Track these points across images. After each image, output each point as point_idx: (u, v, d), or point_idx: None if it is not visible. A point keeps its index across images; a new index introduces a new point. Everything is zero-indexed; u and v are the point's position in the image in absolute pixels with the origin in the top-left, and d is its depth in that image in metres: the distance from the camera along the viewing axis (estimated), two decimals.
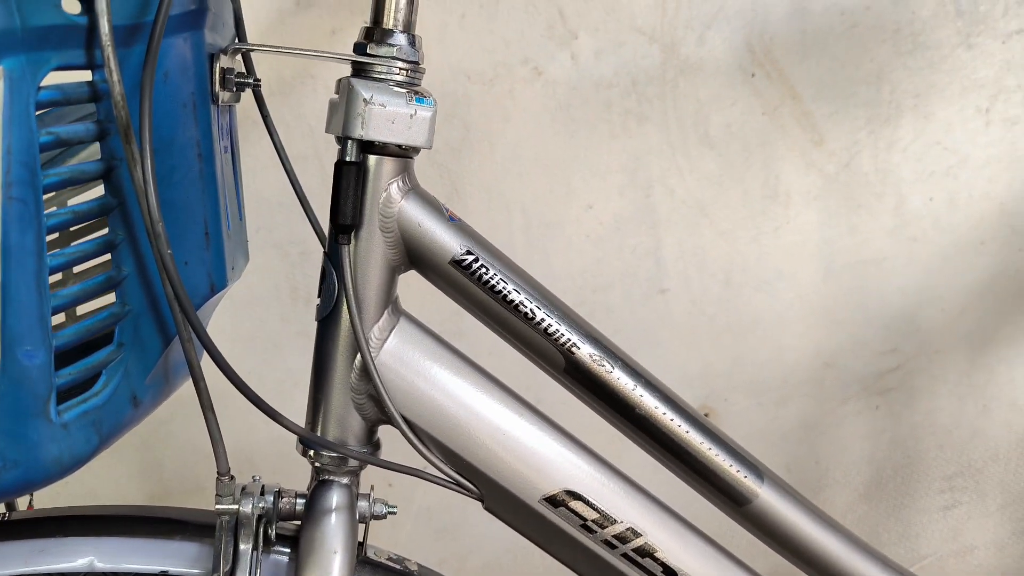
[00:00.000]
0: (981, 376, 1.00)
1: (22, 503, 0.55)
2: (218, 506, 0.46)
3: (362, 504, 0.53)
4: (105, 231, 0.39)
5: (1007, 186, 0.95)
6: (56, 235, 0.51)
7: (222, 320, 0.87)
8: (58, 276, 0.53)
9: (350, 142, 0.46)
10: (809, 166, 0.92)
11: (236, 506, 0.46)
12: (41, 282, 0.35)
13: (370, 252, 0.49)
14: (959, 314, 0.98)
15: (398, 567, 0.55)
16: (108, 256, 0.40)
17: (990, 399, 1.00)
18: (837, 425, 0.99)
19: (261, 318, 0.87)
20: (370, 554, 0.54)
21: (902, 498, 1.03)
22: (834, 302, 0.95)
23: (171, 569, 0.50)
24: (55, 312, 0.36)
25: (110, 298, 0.41)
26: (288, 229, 0.87)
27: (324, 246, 0.52)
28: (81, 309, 0.42)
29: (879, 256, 0.95)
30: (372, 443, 0.52)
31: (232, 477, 0.47)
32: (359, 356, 0.49)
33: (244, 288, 0.88)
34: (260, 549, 0.49)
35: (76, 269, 0.49)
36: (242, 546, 0.48)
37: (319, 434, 0.51)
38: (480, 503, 0.53)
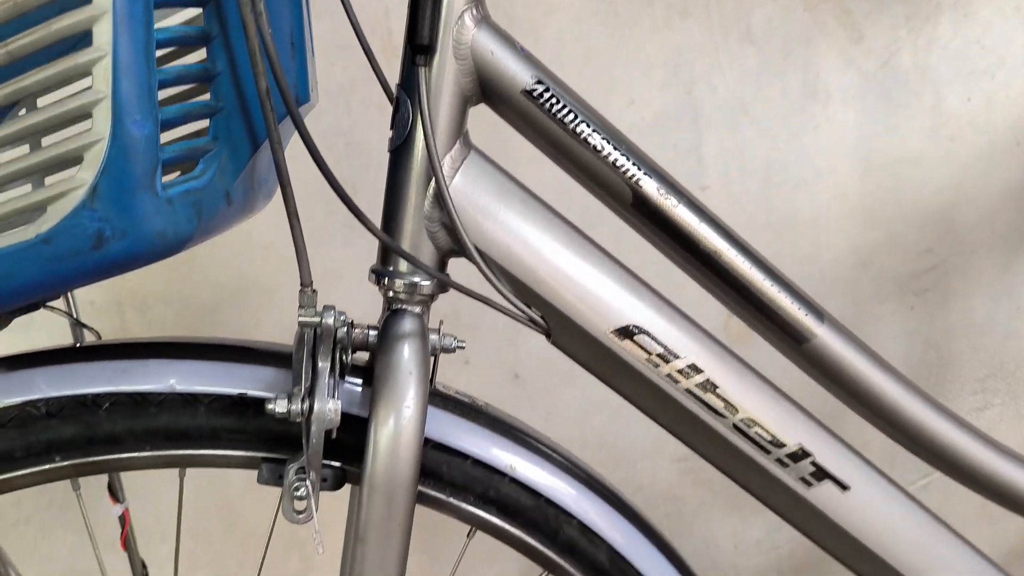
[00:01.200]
0: (1016, 277, 1.01)
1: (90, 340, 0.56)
2: (300, 318, 0.47)
3: (433, 337, 0.54)
4: (201, 24, 0.40)
5: None
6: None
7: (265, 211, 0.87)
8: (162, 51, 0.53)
9: None
10: (848, 64, 0.93)
11: (318, 318, 0.47)
12: (149, 52, 0.36)
13: (443, 79, 0.50)
14: (994, 214, 0.98)
15: (467, 400, 0.56)
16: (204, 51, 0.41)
17: None
18: (872, 325, 1.00)
19: (305, 206, 0.88)
20: (439, 388, 0.55)
21: (935, 398, 1.03)
22: (871, 201, 0.96)
23: (249, 391, 0.51)
24: (161, 87, 0.37)
25: (205, 98, 0.42)
26: (334, 120, 0.88)
27: (388, 92, 0.52)
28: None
29: (916, 155, 0.96)
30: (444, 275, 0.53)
31: (315, 290, 0.48)
32: (432, 184, 0.50)
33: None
34: (338, 371, 0.50)
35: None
36: (320, 364, 0.49)
37: (391, 268, 0.52)
38: (546, 337, 0.54)
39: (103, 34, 0.34)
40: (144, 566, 0.62)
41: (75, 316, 0.57)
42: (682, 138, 0.92)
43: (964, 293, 1.00)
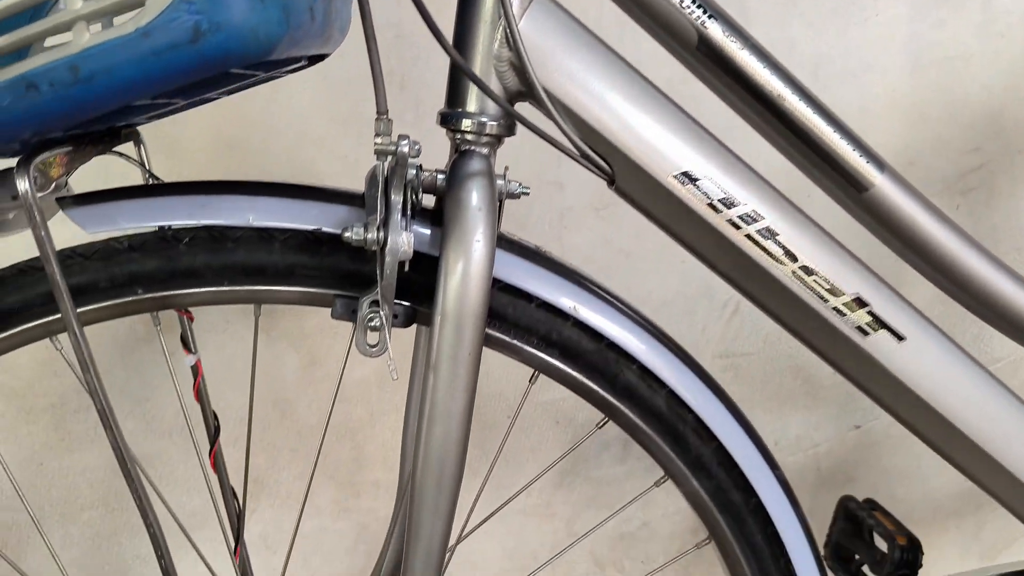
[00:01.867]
0: None
1: None
2: (378, 146, 0.49)
3: (500, 182, 0.55)
4: None
5: None
6: None
7: (319, 96, 0.89)
8: None
9: None
10: None
11: (394, 146, 0.49)
12: None
13: None
14: None
15: (532, 246, 0.57)
16: None
17: None
18: None
19: (355, 100, 0.89)
20: (504, 233, 0.57)
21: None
22: (920, 98, 0.96)
23: (324, 227, 0.53)
24: None
25: None
26: (383, 12, 0.89)
27: None
28: None
29: (966, 52, 0.95)
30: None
31: (391, 119, 0.49)
32: (501, 24, 0.51)
33: (339, 69, 0.89)
34: (410, 204, 0.51)
35: None
36: (393, 197, 0.50)
37: (460, 110, 0.53)
38: (609, 184, 0.55)
39: None
40: (215, 417, 0.64)
41: (147, 166, 0.58)
42: None
43: (1010, 193, 1.00)
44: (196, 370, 0.62)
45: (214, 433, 0.64)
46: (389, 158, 0.49)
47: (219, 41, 0.38)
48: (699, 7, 0.53)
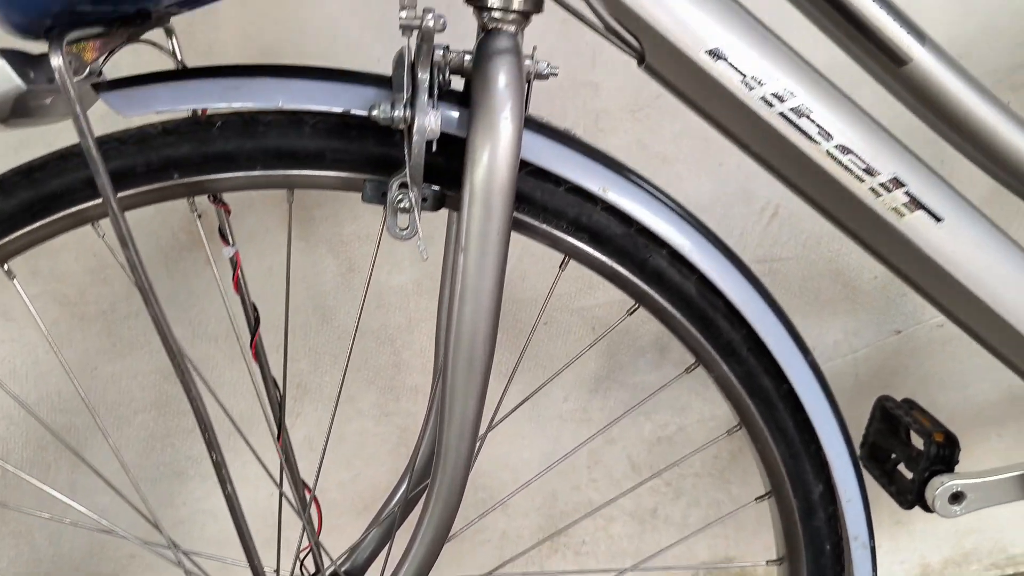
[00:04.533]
0: None
1: None
2: (403, 21, 0.48)
3: (526, 63, 0.55)
4: None
5: None
6: None
7: (352, 1, 0.88)
8: None
9: None
10: None
11: (419, 20, 0.48)
12: None
13: None
14: None
15: (561, 128, 0.57)
16: None
17: None
18: None
19: (387, 5, 0.88)
20: (534, 116, 0.56)
21: None
22: None
23: (352, 109, 0.53)
24: None
25: None
26: None
27: None
28: None
29: None
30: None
31: None
32: None
33: None
34: (436, 88, 0.51)
35: None
36: (420, 75, 0.50)
37: None
38: (639, 62, 0.54)
39: None
40: (255, 308, 0.66)
41: (179, 56, 0.59)
42: None
43: None
44: (235, 262, 0.63)
45: (254, 324, 0.65)
46: (415, 32, 0.49)
47: None
48: None
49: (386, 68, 0.52)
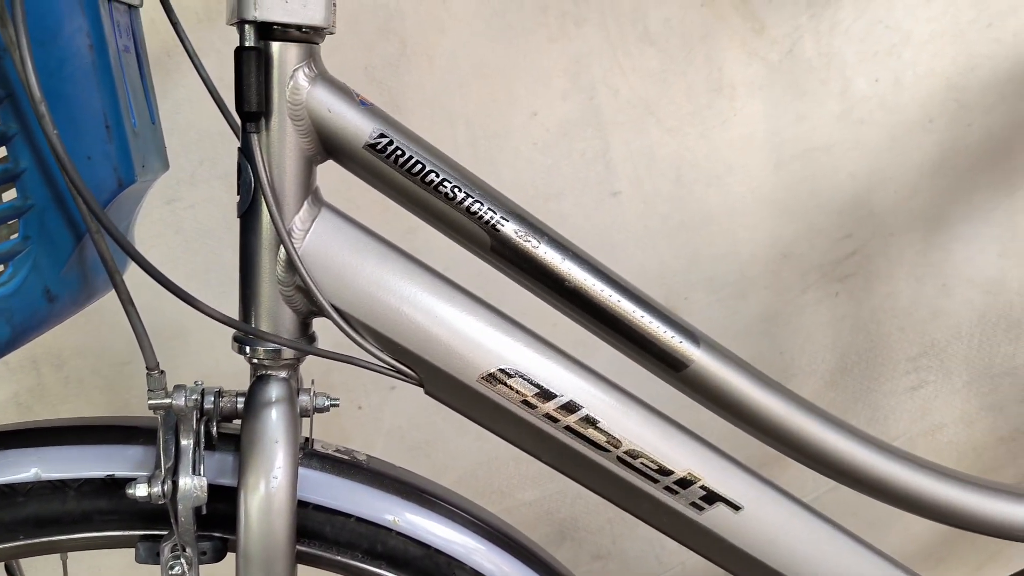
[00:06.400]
0: (937, 255, 1.01)
1: None
2: (151, 401, 0.47)
3: (304, 398, 0.53)
4: None
5: (951, 61, 0.95)
6: None
7: (175, 253, 0.87)
8: None
9: (247, 26, 0.46)
10: (751, 56, 0.92)
11: (169, 400, 0.47)
12: None
13: (283, 142, 0.49)
14: (911, 195, 0.98)
15: (346, 457, 0.55)
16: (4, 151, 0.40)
17: (948, 277, 1.01)
18: (798, 315, 1.00)
19: (214, 250, 0.87)
20: (317, 447, 0.55)
21: (868, 382, 1.04)
22: (786, 192, 0.96)
23: (117, 472, 0.51)
24: None
25: (12, 194, 0.41)
26: (231, 160, 0.87)
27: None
28: None
29: (828, 142, 0.95)
30: (307, 336, 0.53)
31: (162, 372, 0.47)
32: (282, 248, 0.49)
33: (193, 221, 0.87)
34: (202, 446, 0.50)
35: None
36: (183, 442, 0.48)
37: (253, 336, 0.51)
38: (421, 388, 0.53)
39: None
40: None
41: None
42: (589, 145, 0.91)
43: (887, 275, 1.00)
44: None
45: None
46: (164, 412, 0.47)
47: None
48: (490, 209, 0.52)
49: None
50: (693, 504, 0.56)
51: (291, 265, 0.50)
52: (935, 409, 1.06)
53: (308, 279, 0.49)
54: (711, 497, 0.56)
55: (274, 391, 0.51)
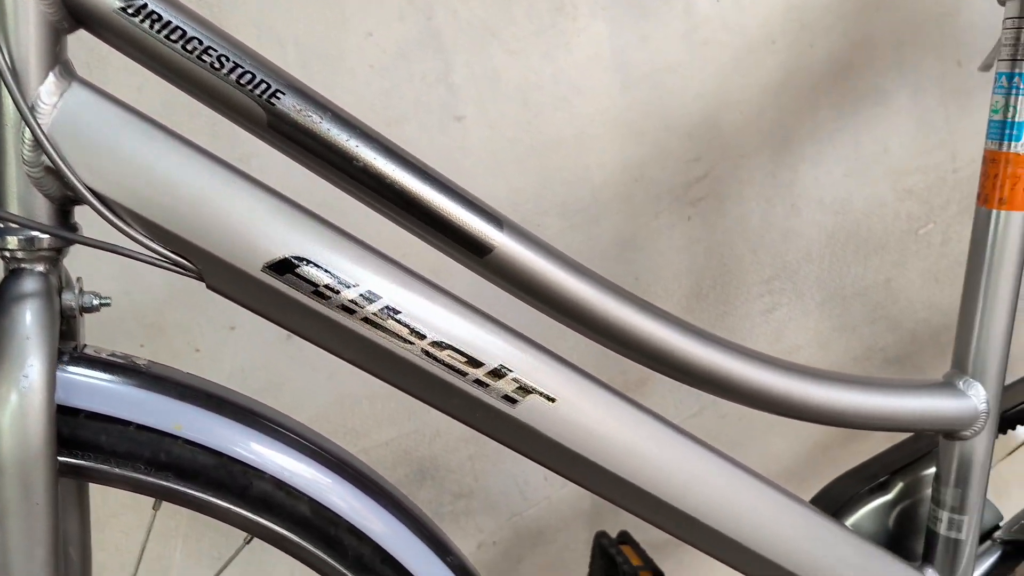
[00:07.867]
0: (786, 176, 1.01)
1: None
2: None
3: (68, 296, 0.49)
4: None
5: None
6: None
7: None
8: None
9: None
10: None
11: None
12: None
13: (18, 4, 0.44)
14: (758, 115, 0.99)
15: (122, 361, 0.51)
16: None
17: (797, 198, 1.02)
18: (652, 239, 0.99)
19: None
20: (89, 351, 0.50)
21: (724, 306, 1.04)
22: (635, 114, 0.95)
23: None
24: None
25: None
26: None
27: None
28: None
29: (673, 63, 0.95)
30: (67, 226, 0.48)
31: None
32: (25, 124, 0.45)
33: None
34: None
35: None
36: None
37: (1, 226, 0.46)
38: (202, 282, 0.50)
39: None
40: None
41: None
42: (429, 68, 0.88)
43: (738, 197, 1.01)
44: None
45: None
46: None
47: None
48: (264, 80, 0.48)
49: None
50: (506, 397, 0.54)
51: (37, 143, 0.45)
52: (790, 331, 1.08)
53: (56, 157, 0.45)
54: (523, 390, 0.54)
55: (28, 285, 0.46)
